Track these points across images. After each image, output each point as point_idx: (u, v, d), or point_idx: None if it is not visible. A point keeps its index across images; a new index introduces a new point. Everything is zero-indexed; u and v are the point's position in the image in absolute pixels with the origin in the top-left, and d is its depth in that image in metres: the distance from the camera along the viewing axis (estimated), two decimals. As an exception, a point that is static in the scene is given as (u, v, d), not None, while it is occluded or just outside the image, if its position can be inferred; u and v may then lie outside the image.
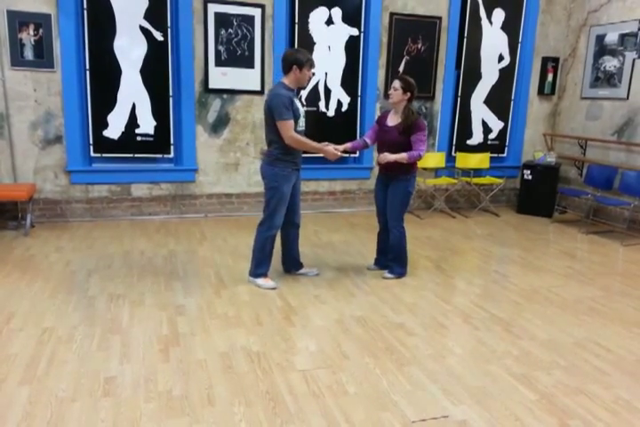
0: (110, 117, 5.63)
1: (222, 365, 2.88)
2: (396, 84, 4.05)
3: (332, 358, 3.00)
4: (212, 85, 5.88)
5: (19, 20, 5.15)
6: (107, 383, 2.66)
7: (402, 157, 3.96)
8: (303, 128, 3.99)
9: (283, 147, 3.84)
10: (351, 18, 6.19)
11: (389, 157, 3.98)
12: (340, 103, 6.36)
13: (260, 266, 4.09)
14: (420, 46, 6.52)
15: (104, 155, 5.71)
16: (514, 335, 3.37)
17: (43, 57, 5.30)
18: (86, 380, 2.68)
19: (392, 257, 4.33)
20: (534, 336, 3.37)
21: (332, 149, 3.98)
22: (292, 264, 4.33)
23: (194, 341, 3.14)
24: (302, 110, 3.96)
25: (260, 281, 4.08)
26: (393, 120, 4.14)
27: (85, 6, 5.31)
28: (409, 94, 4.04)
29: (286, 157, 3.88)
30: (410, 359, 3.01)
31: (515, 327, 3.49)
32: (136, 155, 5.81)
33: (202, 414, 2.44)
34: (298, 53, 3.86)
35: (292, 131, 3.78)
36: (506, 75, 6.97)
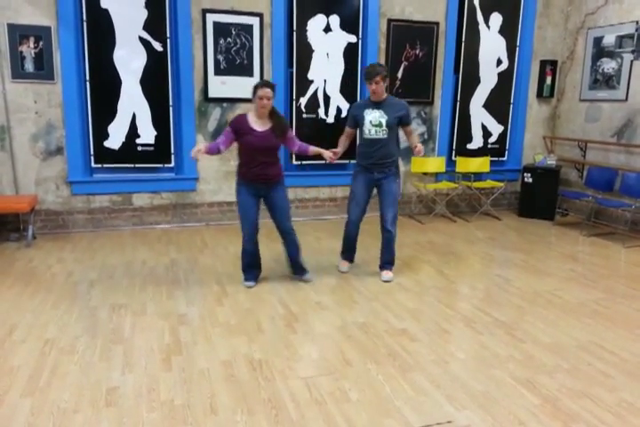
0: (111, 128, 5.65)
1: (224, 373, 2.88)
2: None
3: (334, 364, 3.00)
4: (211, 94, 5.91)
5: (19, 33, 5.20)
6: (109, 394, 2.66)
7: None
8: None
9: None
10: (349, 25, 6.22)
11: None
12: (339, 110, 6.38)
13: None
14: (418, 52, 6.55)
15: (105, 165, 5.73)
16: (517, 339, 3.36)
17: (43, 69, 5.34)
18: (88, 390, 2.68)
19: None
20: (537, 340, 3.36)
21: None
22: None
23: (196, 349, 3.14)
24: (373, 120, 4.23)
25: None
26: None
27: (85, 18, 5.35)
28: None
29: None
30: (412, 365, 3.01)
31: (517, 331, 3.48)
32: (137, 165, 5.83)
33: (204, 423, 2.44)
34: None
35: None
36: (504, 78, 6.98)
